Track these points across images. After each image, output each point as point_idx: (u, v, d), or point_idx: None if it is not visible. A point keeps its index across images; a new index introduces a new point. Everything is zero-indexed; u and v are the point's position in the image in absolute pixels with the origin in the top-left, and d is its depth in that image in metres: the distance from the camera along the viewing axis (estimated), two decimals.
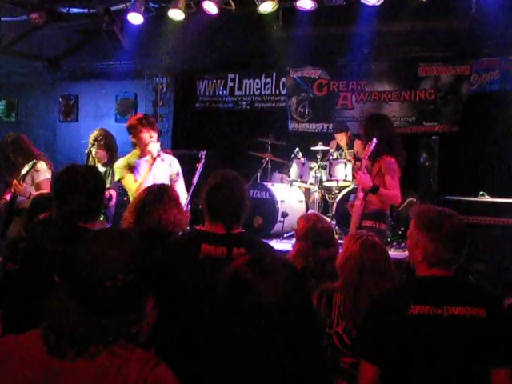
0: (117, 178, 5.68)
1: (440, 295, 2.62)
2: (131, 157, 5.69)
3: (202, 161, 5.76)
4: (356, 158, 8.55)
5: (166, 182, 5.38)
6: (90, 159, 6.86)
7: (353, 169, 7.89)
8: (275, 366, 1.75)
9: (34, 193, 6.05)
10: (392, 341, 2.57)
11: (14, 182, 5.97)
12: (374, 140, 5.30)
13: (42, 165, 6.26)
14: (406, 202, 8.45)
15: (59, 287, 1.84)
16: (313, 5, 7.64)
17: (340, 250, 3.74)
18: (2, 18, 9.26)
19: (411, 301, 2.59)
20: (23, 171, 6.05)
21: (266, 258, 1.90)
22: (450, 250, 2.67)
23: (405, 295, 2.71)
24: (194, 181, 5.69)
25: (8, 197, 6.28)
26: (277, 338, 1.74)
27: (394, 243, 7.73)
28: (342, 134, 8.71)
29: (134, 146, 5.69)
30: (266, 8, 7.84)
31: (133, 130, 5.60)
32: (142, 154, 5.61)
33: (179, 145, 10.82)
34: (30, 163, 6.08)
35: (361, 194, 5.44)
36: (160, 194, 3.77)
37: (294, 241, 6.63)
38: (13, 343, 1.87)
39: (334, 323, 3.33)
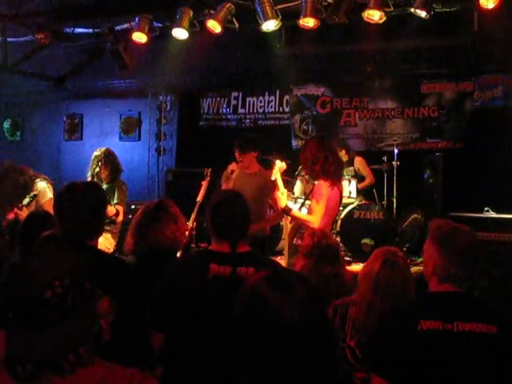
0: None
1: (450, 311, 2.60)
2: None
3: (208, 178, 5.80)
4: (356, 176, 8.57)
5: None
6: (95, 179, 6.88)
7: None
8: (293, 380, 1.76)
9: None
10: (402, 355, 2.56)
11: (15, 210, 6.03)
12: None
13: (42, 186, 6.33)
14: (410, 219, 8.45)
15: (10, 318, 1.85)
16: (316, 23, 7.66)
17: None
18: (8, 39, 9.34)
19: (421, 316, 2.57)
20: (25, 201, 6.06)
21: (283, 273, 1.91)
22: (459, 265, 2.66)
23: (415, 310, 2.70)
24: (199, 198, 5.73)
25: (11, 216, 6.32)
26: (294, 352, 1.75)
27: None
28: (341, 152, 8.75)
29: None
30: (269, 26, 7.88)
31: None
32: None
33: (183, 162, 10.87)
34: (32, 194, 6.12)
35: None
36: (156, 213, 3.76)
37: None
38: None
39: (348, 337, 3.33)
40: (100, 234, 3.29)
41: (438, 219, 2.92)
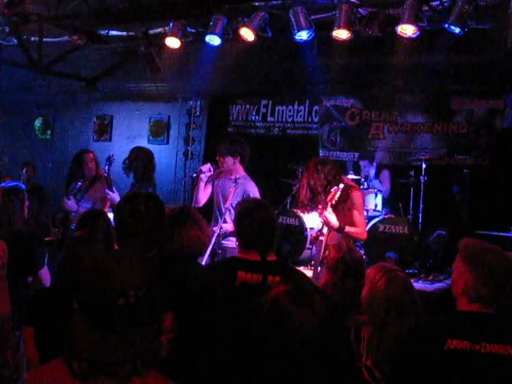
0: None
1: (479, 331, 2.60)
2: None
3: (237, 186, 5.83)
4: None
5: None
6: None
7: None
8: None
9: None
10: (428, 374, 2.56)
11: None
12: (341, 186, 5.37)
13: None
14: (435, 235, 8.41)
15: (76, 312, 1.87)
16: (349, 35, 7.68)
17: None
18: (44, 39, 9.48)
19: (449, 335, 2.57)
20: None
21: (305, 288, 1.93)
22: (490, 286, 2.65)
23: (443, 329, 2.69)
24: (227, 205, 5.76)
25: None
26: (313, 364, 1.77)
27: (422, 275, 7.67)
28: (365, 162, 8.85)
29: None
30: (302, 36, 7.92)
31: None
32: None
33: None
34: None
35: (325, 229, 5.46)
36: (181, 216, 3.80)
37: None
38: (39, 375, 1.91)
39: (363, 357, 3.31)
40: (159, 247, 3.31)
41: (468, 239, 2.90)
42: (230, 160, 6.08)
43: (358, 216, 5.34)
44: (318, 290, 1.99)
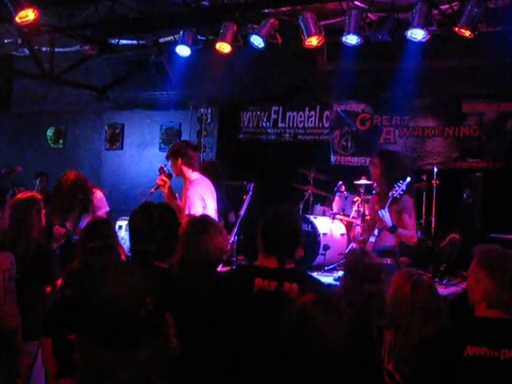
0: None
1: (498, 338, 2.59)
2: None
3: (250, 193, 5.84)
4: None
5: None
6: None
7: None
8: None
9: None
10: (447, 380, 2.56)
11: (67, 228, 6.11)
12: (408, 179, 5.38)
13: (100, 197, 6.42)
14: (448, 239, 8.37)
15: (83, 336, 1.79)
16: (358, 40, 7.70)
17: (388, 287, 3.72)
18: (56, 49, 9.56)
19: (468, 341, 2.58)
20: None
21: (332, 297, 1.94)
22: (510, 291, 2.65)
23: (462, 335, 2.69)
24: (242, 212, 5.77)
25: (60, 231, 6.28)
26: (341, 374, 1.78)
27: (436, 279, 7.64)
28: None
29: None
30: (312, 42, 7.94)
31: None
32: None
33: None
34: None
35: (376, 231, 5.50)
36: (203, 224, 3.83)
37: (335, 274, 6.69)
38: None
39: (385, 361, 3.32)
40: (172, 256, 3.32)
41: (483, 244, 2.90)
42: (172, 162, 6.03)
43: (409, 219, 5.44)
44: (343, 298, 1.99)
